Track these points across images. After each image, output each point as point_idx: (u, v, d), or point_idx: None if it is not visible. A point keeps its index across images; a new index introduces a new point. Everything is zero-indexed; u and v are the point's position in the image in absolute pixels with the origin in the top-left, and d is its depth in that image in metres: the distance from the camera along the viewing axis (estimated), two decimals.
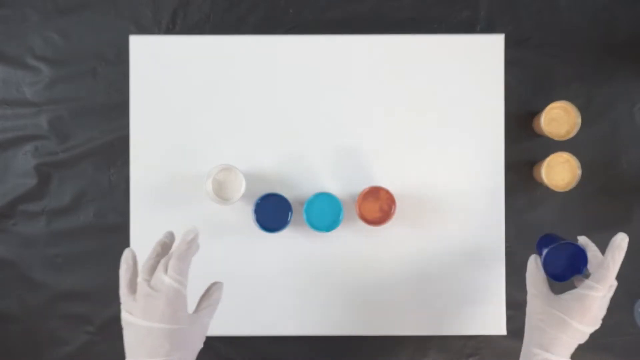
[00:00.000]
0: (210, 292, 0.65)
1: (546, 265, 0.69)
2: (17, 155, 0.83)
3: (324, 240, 0.81)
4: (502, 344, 0.82)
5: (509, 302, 0.82)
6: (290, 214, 0.77)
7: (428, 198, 0.82)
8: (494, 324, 0.82)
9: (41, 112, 0.82)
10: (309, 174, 0.82)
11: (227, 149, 0.81)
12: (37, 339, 0.83)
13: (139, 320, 0.60)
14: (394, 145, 0.82)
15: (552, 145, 0.81)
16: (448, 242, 0.82)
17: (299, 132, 0.82)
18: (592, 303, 0.64)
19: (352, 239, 0.81)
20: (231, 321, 0.81)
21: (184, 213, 0.81)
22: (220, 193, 0.77)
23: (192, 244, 0.62)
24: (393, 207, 0.77)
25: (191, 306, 0.63)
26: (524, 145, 0.83)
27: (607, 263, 0.64)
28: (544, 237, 0.76)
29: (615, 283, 0.65)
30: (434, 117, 0.82)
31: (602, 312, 0.65)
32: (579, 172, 0.78)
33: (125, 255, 0.64)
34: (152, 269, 0.62)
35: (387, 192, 0.77)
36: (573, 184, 0.78)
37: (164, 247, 0.65)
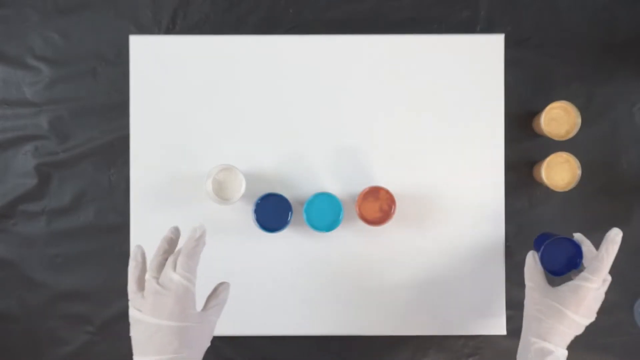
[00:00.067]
0: (218, 292, 0.66)
1: (544, 261, 0.71)
2: (17, 155, 0.83)
3: (324, 240, 0.81)
4: (502, 344, 0.82)
5: (509, 302, 0.82)
6: (290, 214, 0.77)
7: (428, 198, 0.82)
8: (494, 323, 0.82)
9: (41, 112, 0.82)
10: (309, 174, 0.81)
11: (227, 149, 0.81)
12: (37, 339, 0.83)
13: (148, 317, 0.60)
14: (394, 146, 0.82)
15: (552, 145, 0.81)
16: (448, 242, 0.82)
17: (299, 132, 0.82)
18: (586, 294, 0.66)
19: (352, 239, 0.81)
20: (231, 321, 0.80)
21: (184, 213, 0.81)
22: (220, 193, 0.77)
23: (200, 241, 0.62)
24: (393, 207, 0.77)
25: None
26: (524, 145, 0.83)
27: (601, 255, 0.67)
28: (541, 236, 0.77)
29: (609, 278, 0.68)
30: (434, 117, 0.82)
31: (597, 304, 0.68)
32: (578, 172, 0.78)
33: (135, 252, 0.64)
34: (160, 266, 0.63)
35: (387, 192, 0.77)
36: (573, 184, 0.78)
37: (171, 244, 0.65)
